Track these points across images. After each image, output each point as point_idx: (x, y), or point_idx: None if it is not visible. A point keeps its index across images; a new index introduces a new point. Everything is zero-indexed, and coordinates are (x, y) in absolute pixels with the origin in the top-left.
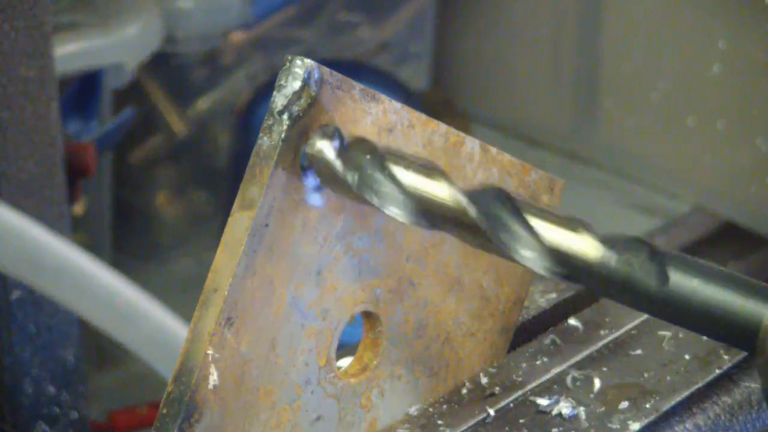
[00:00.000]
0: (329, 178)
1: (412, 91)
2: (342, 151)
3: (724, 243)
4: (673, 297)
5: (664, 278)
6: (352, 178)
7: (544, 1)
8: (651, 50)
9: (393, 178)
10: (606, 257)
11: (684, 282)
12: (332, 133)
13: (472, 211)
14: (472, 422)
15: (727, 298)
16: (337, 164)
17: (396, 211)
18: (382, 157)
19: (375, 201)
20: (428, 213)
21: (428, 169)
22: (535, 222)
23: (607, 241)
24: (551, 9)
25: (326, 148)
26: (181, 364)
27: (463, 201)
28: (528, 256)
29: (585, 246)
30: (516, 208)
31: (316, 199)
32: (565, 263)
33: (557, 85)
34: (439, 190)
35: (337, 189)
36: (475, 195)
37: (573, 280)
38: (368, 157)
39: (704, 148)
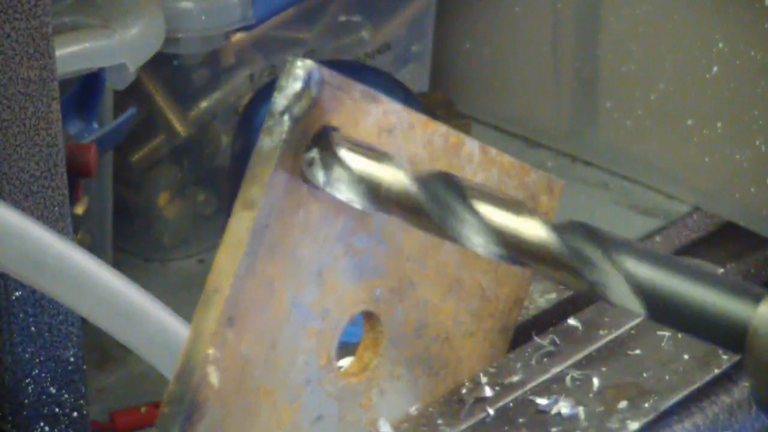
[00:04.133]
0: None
1: (412, 92)
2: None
3: (724, 243)
4: (641, 291)
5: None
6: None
7: (543, 1)
8: (651, 50)
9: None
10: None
11: (654, 278)
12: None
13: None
14: (471, 422)
15: (714, 299)
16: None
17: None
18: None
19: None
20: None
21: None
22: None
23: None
24: (551, 9)
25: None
26: (182, 364)
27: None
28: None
29: (529, 228)
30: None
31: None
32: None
33: (557, 85)
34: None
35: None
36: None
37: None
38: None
39: (704, 148)
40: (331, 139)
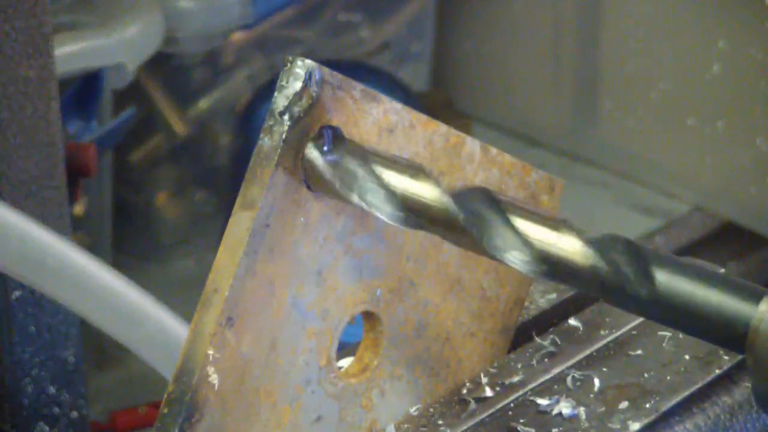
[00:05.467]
0: (321, 184)
1: (412, 92)
2: (331, 157)
3: (724, 243)
4: (659, 298)
5: (650, 278)
6: (339, 184)
7: (544, 1)
8: (651, 50)
9: (380, 181)
10: (589, 256)
11: (671, 283)
12: (321, 137)
13: (457, 211)
14: (472, 422)
15: (715, 299)
16: (327, 171)
17: (385, 213)
18: (368, 161)
19: (364, 205)
20: (415, 214)
21: (415, 170)
22: (520, 222)
23: (591, 240)
24: (551, 9)
25: (315, 155)
26: (181, 364)
27: (449, 202)
28: (514, 256)
29: (568, 245)
30: (501, 208)
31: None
32: (547, 262)
33: (557, 85)
34: (425, 191)
35: (330, 194)
36: (460, 195)
37: (556, 280)
38: (355, 162)
39: (704, 148)
40: (355, 148)
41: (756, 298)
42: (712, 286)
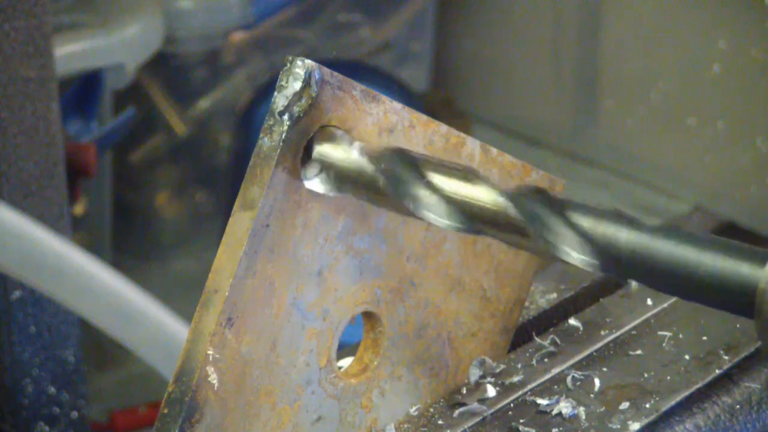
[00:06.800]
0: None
1: (413, 92)
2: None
3: None
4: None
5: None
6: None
7: (544, 1)
8: (651, 50)
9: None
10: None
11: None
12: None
13: (376, 174)
14: (472, 422)
15: (721, 264)
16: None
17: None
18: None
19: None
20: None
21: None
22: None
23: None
24: (551, 9)
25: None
26: (181, 365)
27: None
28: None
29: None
30: (417, 164)
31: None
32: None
33: (557, 85)
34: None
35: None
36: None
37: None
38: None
39: (704, 148)
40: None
41: (761, 261)
42: (717, 251)
